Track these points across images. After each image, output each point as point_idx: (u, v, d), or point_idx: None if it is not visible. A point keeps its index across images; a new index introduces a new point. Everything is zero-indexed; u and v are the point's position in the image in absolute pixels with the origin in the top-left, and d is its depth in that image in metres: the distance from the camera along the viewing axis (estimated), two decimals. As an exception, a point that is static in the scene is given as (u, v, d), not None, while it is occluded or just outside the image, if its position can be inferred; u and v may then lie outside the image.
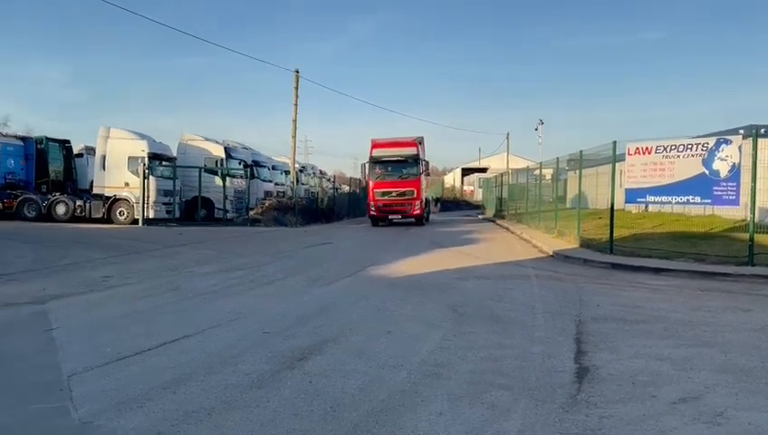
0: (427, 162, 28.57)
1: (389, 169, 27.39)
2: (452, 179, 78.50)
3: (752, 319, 7.70)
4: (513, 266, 13.09)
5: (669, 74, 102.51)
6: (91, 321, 7.49)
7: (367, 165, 27.71)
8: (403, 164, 27.35)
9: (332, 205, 34.87)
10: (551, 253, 15.24)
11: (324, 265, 13.36)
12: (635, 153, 13.33)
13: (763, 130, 11.62)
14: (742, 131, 11.67)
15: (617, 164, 13.78)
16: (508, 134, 62.63)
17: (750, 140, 11.35)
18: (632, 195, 13.58)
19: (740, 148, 11.47)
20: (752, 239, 11.41)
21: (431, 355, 5.88)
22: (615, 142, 13.72)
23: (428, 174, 31.66)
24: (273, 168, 34.90)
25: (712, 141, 11.90)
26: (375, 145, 27.78)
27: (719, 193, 11.81)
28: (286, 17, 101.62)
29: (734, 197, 11.68)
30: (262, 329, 6.98)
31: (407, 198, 27.02)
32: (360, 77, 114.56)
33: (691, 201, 12.38)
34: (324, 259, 14.50)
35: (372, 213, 27.56)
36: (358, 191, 39.57)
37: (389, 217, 27.58)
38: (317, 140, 64.01)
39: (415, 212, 27.21)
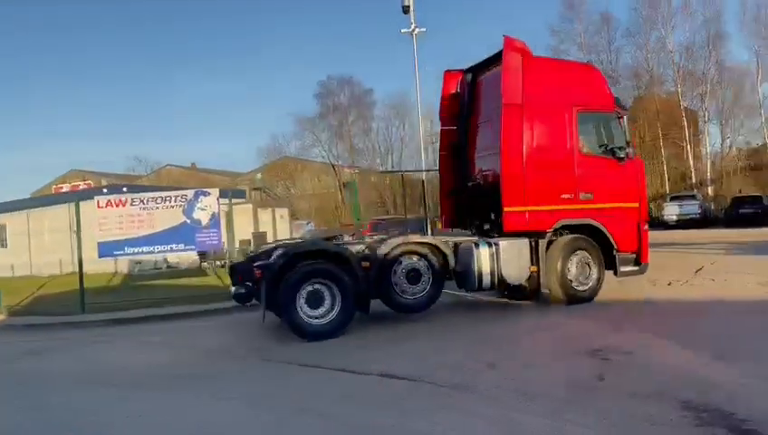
0: None
1: None
2: None
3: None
4: None
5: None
6: None
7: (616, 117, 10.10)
8: None
9: None
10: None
11: None
12: (106, 206, 12.80)
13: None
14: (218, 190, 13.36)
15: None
16: None
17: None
18: (107, 248, 12.73)
19: (218, 199, 13.13)
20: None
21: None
22: (78, 201, 12.90)
23: None
24: None
25: (191, 193, 12.97)
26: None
27: (203, 239, 13.02)
28: None
29: (216, 241, 13.20)
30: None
31: None
32: None
33: (175, 249, 12.99)
34: None
35: None
36: None
37: None
38: None
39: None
